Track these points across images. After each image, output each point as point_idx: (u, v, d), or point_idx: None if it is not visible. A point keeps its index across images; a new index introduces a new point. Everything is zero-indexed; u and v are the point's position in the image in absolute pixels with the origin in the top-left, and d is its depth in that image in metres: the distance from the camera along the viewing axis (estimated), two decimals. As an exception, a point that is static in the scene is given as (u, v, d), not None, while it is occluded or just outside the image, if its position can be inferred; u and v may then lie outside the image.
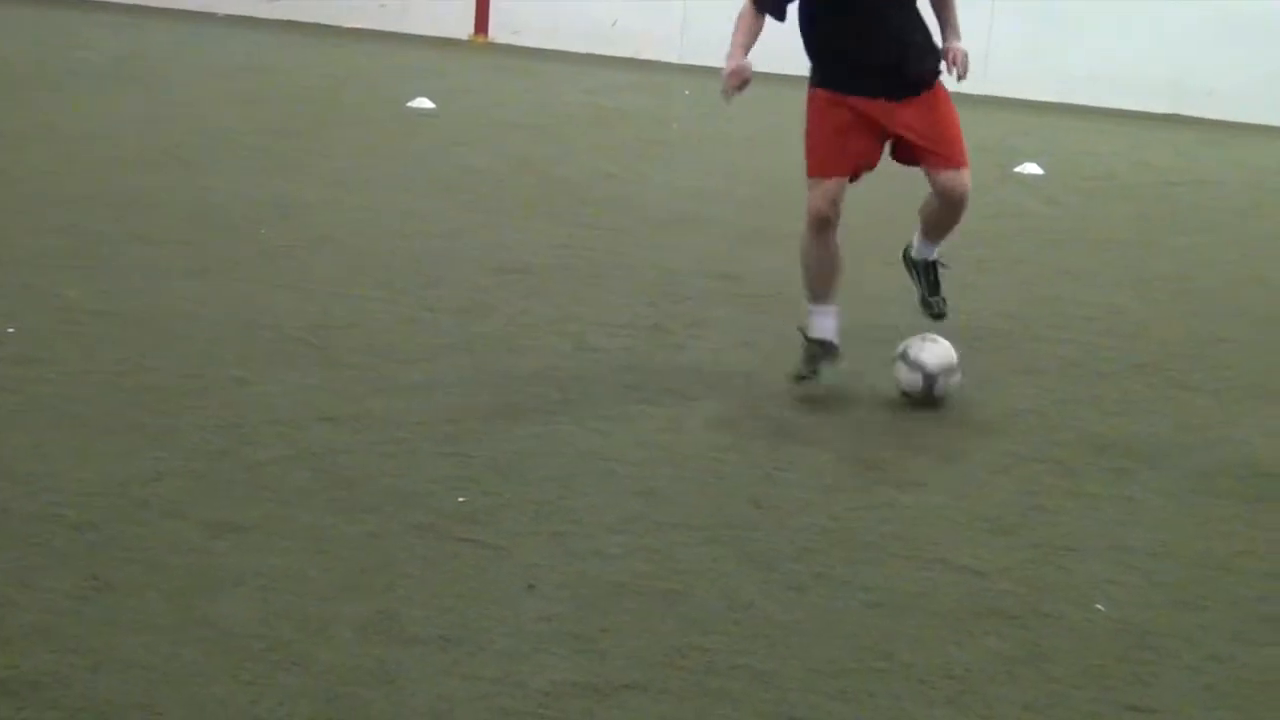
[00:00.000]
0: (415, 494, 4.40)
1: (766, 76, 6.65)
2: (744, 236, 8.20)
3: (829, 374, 5.59)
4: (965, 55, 5.59)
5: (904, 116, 5.51)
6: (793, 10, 5.54)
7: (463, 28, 17.94)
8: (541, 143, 11.01)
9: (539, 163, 10.09)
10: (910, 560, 4.21)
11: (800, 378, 5.58)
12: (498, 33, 17.89)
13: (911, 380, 5.52)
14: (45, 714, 3.17)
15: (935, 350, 5.55)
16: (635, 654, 3.59)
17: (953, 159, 5.59)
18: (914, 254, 5.97)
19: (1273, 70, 15.81)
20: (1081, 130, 14.22)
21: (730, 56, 5.45)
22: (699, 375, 5.72)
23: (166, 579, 3.77)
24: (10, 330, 5.53)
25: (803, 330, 5.65)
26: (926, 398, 5.52)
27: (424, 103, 12.21)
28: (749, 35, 5.56)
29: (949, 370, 5.54)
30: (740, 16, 5.59)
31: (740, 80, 5.44)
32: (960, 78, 5.52)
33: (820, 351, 5.59)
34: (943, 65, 5.60)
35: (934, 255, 5.94)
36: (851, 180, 5.60)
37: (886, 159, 5.67)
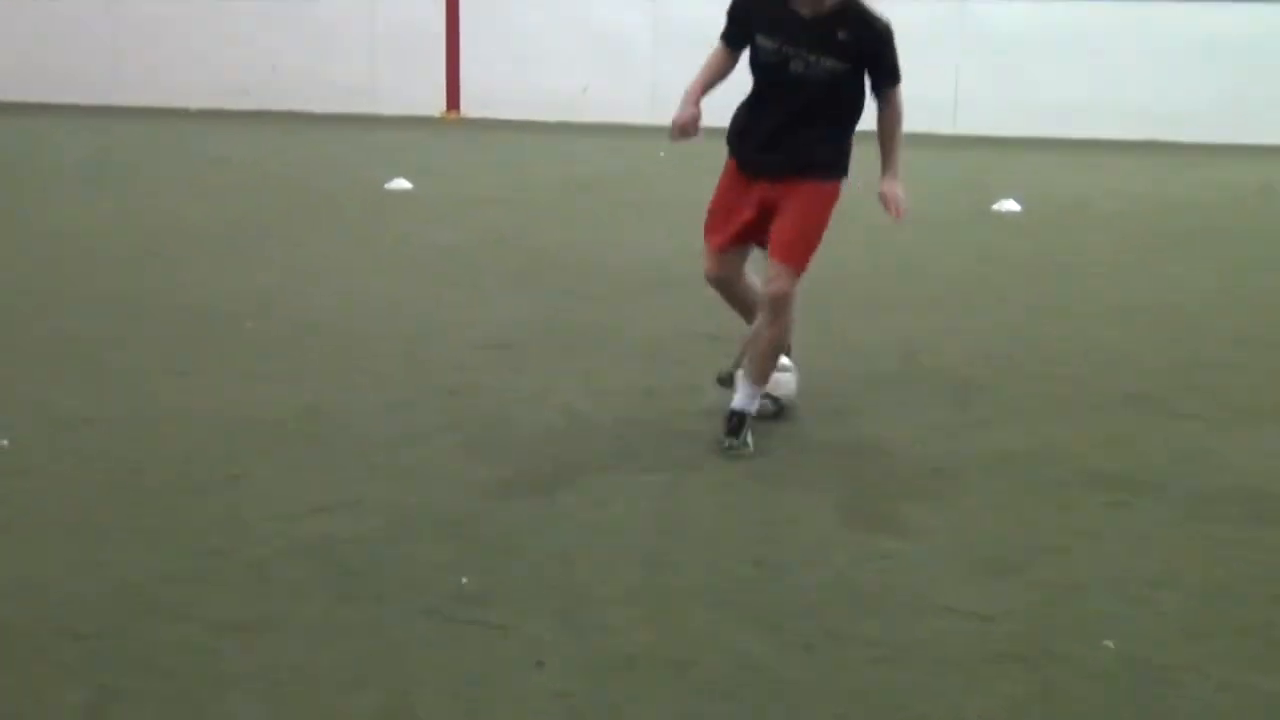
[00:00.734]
0: (418, 578, 4.39)
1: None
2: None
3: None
4: (898, 199, 5.38)
5: (774, 194, 5.43)
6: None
7: (434, 105, 18.08)
8: (517, 215, 11.07)
9: (515, 236, 10.15)
10: (916, 609, 4.21)
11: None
12: (469, 107, 18.03)
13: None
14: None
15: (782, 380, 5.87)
16: (649, 725, 3.58)
17: (787, 254, 5.39)
18: (734, 403, 5.59)
19: (1240, 91, 15.98)
20: (1055, 163, 14.33)
21: (684, 100, 5.35)
22: (692, 438, 5.72)
23: (175, 683, 3.75)
24: (4, 443, 5.53)
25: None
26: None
27: (402, 183, 12.28)
28: (712, 74, 5.46)
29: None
30: (711, 54, 5.51)
31: (681, 133, 5.32)
32: (896, 219, 5.41)
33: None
34: (842, 178, 5.46)
35: (754, 409, 5.61)
36: (761, 246, 5.54)
37: None
